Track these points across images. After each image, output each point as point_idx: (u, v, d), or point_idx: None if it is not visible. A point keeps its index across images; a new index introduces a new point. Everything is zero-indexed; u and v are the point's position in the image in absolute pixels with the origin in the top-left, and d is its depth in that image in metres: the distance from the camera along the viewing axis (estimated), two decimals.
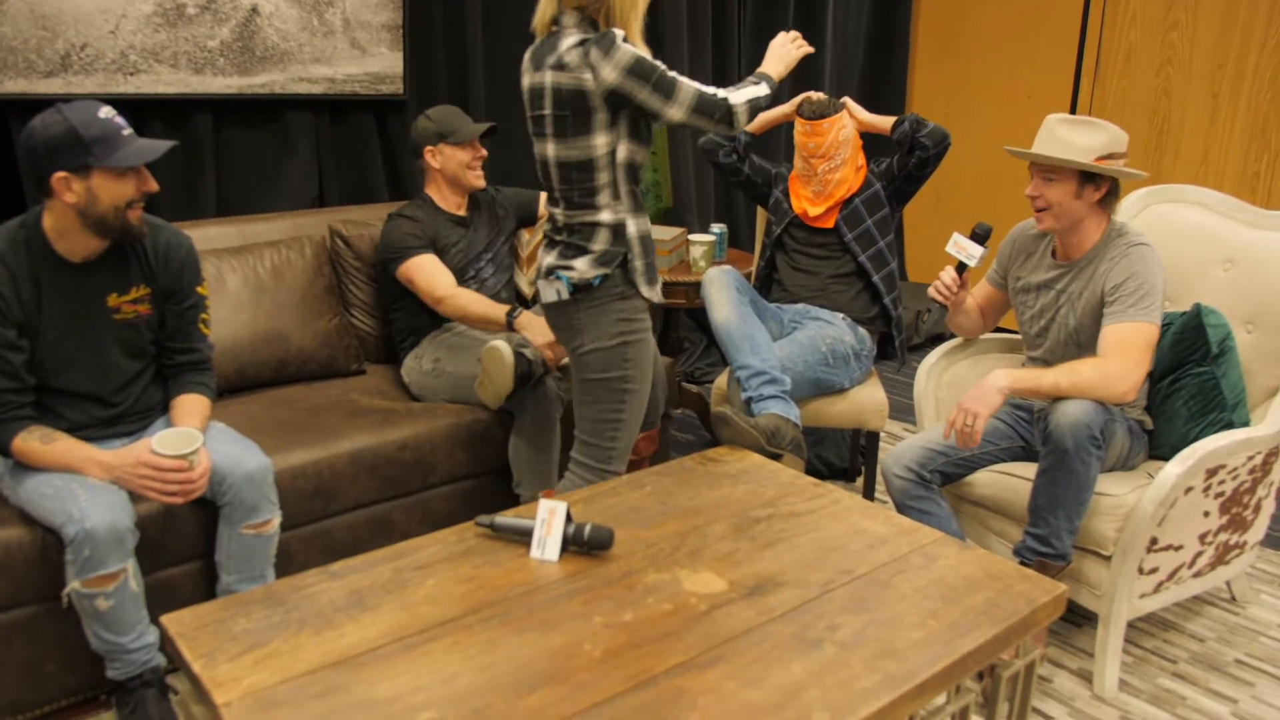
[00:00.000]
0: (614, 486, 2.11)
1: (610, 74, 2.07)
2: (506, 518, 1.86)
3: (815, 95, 2.96)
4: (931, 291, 2.59)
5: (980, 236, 2.51)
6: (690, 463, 2.24)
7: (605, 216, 2.22)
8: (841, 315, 2.95)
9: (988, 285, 2.70)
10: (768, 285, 3.17)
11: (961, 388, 2.79)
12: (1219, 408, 2.35)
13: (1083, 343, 2.37)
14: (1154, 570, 2.30)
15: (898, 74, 5.43)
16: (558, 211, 2.29)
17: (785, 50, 2.40)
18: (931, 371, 2.77)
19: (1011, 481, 2.44)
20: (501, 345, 2.50)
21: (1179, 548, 2.30)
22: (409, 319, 2.90)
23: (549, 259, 2.31)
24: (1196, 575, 2.43)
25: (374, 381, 2.91)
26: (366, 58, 3.35)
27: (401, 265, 2.79)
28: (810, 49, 2.44)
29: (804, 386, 2.76)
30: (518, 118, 3.84)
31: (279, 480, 2.32)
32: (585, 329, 2.26)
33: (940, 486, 2.48)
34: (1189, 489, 2.21)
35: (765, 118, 3.13)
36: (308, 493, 2.39)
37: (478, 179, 2.92)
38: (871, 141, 3.26)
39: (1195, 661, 2.48)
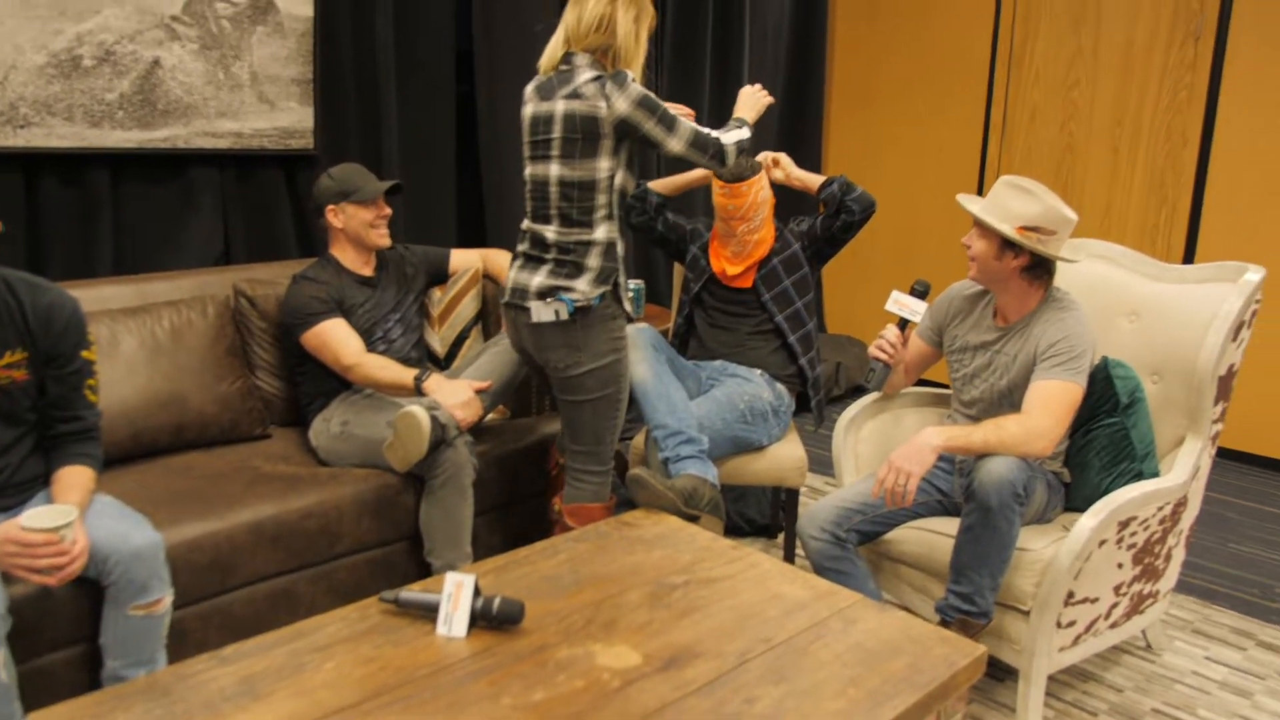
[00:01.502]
0: (527, 555, 2.03)
1: (623, 105, 2.32)
2: (411, 592, 1.77)
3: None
4: (874, 350, 2.57)
5: (920, 293, 2.54)
6: (606, 528, 2.18)
7: (600, 234, 2.40)
8: (759, 372, 2.92)
9: (917, 340, 2.70)
10: (686, 342, 3.14)
11: (880, 442, 2.78)
12: (1129, 458, 2.37)
13: (1014, 403, 2.38)
14: (1072, 623, 2.28)
15: (813, 125, 5.50)
16: (548, 230, 2.42)
17: (754, 98, 2.68)
18: (850, 427, 2.75)
19: (931, 538, 2.42)
20: (417, 411, 2.42)
21: (1095, 600, 2.30)
22: (316, 381, 2.80)
23: (538, 279, 2.42)
24: (1113, 626, 2.43)
25: (279, 446, 2.80)
26: (275, 112, 3.27)
27: (307, 331, 2.70)
28: (772, 99, 2.71)
29: (722, 444, 2.72)
30: (431, 173, 3.79)
31: (172, 555, 2.20)
32: (583, 348, 2.40)
33: (857, 545, 2.45)
34: (1103, 542, 2.21)
35: (680, 181, 3.13)
36: (203, 567, 2.27)
37: (382, 238, 2.85)
38: (789, 202, 3.26)
39: (1115, 713, 2.47)
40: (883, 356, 2.56)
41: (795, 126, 5.47)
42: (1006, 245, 2.33)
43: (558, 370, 2.44)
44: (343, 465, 2.66)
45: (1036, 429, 2.21)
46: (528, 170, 2.49)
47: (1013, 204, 2.32)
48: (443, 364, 3.04)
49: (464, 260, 3.14)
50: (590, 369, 2.42)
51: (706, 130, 2.46)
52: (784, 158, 3.03)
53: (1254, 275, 2.41)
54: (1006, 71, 4.86)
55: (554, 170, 2.40)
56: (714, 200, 2.96)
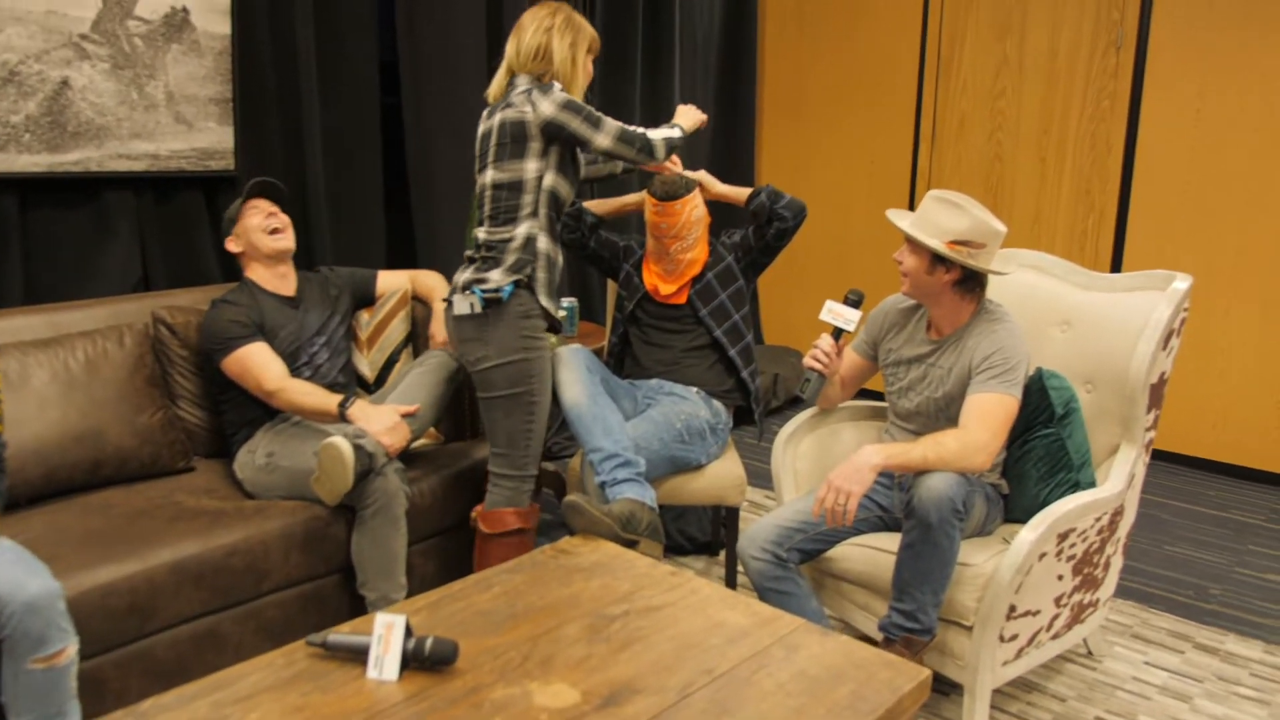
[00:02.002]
0: (460, 589, 1.97)
1: (548, 108, 2.46)
2: (340, 635, 1.70)
3: (668, 174, 2.90)
4: (809, 360, 2.54)
5: (854, 302, 2.53)
6: (542, 556, 2.12)
7: (521, 230, 2.51)
8: (696, 389, 2.90)
9: (853, 354, 2.69)
10: (621, 360, 3.11)
11: (818, 458, 2.76)
12: (1066, 468, 2.37)
13: (952, 415, 2.38)
14: (1014, 637, 2.28)
15: (746, 138, 5.50)
16: (481, 232, 2.57)
17: (692, 111, 2.82)
18: (788, 443, 2.73)
19: (873, 555, 2.40)
20: (340, 443, 2.34)
21: (1036, 613, 2.30)
22: (240, 410, 2.71)
23: (465, 275, 2.55)
24: (1055, 637, 2.43)
25: (203, 479, 2.70)
26: (193, 133, 3.17)
27: (227, 357, 2.61)
28: (706, 116, 2.87)
29: (660, 465, 2.69)
30: (359, 188, 3.71)
31: (87, 600, 2.10)
32: (492, 342, 2.48)
33: (799, 564, 2.42)
34: (1042, 555, 2.21)
35: (616, 203, 3.11)
36: (121, 611, 2.16)
37: (280, 239, 2.77)
38: (721, 214, 3.24)
39: None
40: (817, 366, 2.53)
41: (727, 137, 5.47)
42: (937, 260, 2.33)
43: (471, 365, 2.54)
44: (270, 498, 2.58)
45: (974, 443, 2.21)
46: (477, 184, 2.62)
47: (941, 218, 2.32)
48: (372, 388, 2.97)
49: (391, 282, 3.07)
50: (498, 364, 2.49)
51: (634, 127, 2.59)
52: (705, 175, 3.01)
53: (1182, 284, 2.43)
54: (935, 81, 4.90)
55: (489, 176, 2.54)
56: (646, 218, 2.94)
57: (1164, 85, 4.25)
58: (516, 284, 2.50)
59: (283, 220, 2.79)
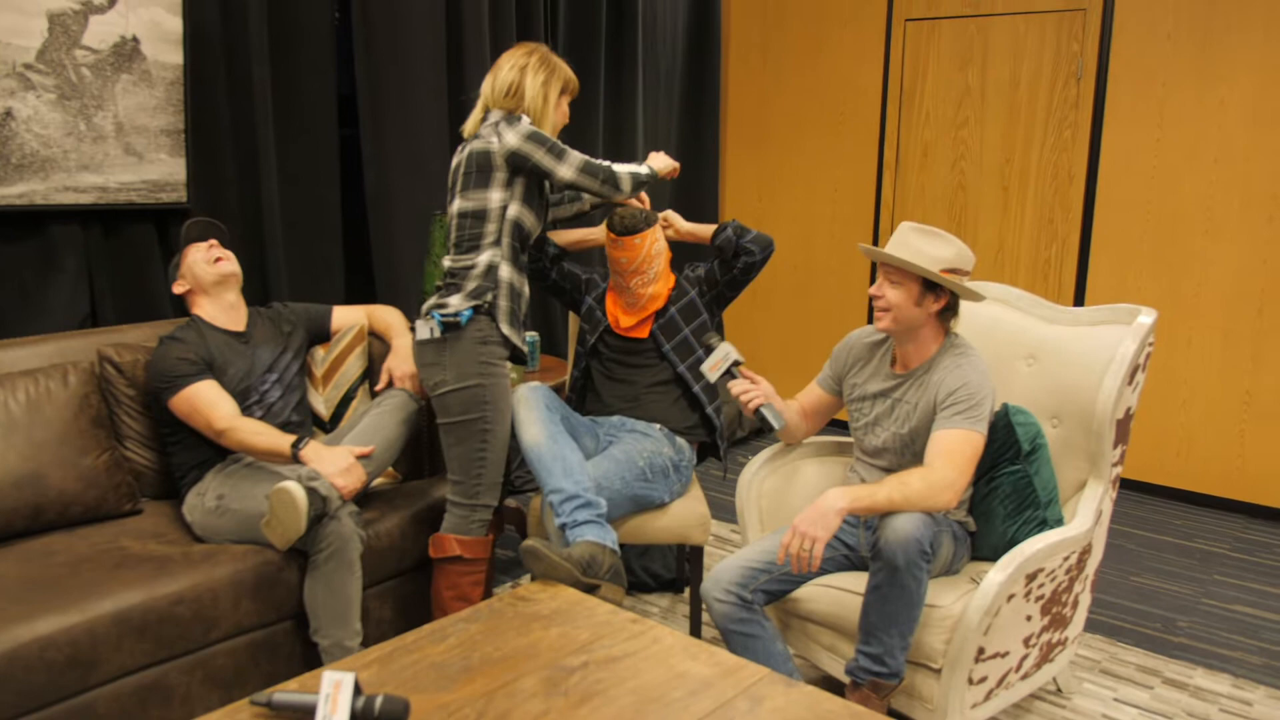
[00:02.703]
0: (414, 640, 1.90)
1: (512, 139, 2.51)
2: (286, 693, 1.63)
3: (627, 209, 2.88)
4: (746, 403, 2.49)
5: (709, 348, 2.59)
6: (500, 604, 2.06)
7: (483, 258, 2.54)
8: (659, 426, 2.85)
9: (817, 389, 2.66)
10: (583, 396, 3.06)
11: (782, 496, 2.72)
12: (1033, 505, 2.35)
13: (918, 451, 2.35)
14: (983, 679, 2.24)
15: (710, 168, 5.49)
16: (447, 260, 2.60)
17: (664, 157, 2.88)
18: (753, 481, 2.69)
19: (840, 596, 2.36)
20: (292, 487, 2.27)
21: (1005, 654, 2.26)
22: (189, 451, 2.63)
23: (429, 302, 2.58)
24: (1024, 678, 2.39)
25: (151, 522, 2.61)
26: (143, 164, 3.09)
27: (175, 396, 2.53)
28: (678, 166, 2.91)
29: (622, 504, 2.63)
30: (316, 222, 3.65)
31: (24, 654, 2.01)
32: (449, 366, 2.50)
33: (764, 605, 2.37)
34: (1011, 596, 2.17)
35: (579, 235, 3.07)
36: (60, 665, 2.07)
37: (223, 265, 2.72)
38: (686, 246, 3.21)
39: None
40: (755, 397, 2.49)
41: (692, 168, 5.45)
42: (927, 289, 2.31)
43: (430, 390, 2.56)
44: (220, 542, 2.49)
45: (940, 481, 2.18)
46: (447, 214, 2.71)
47: (926, 247, 2.30)
48: (328, 426, 2.89)
49: (347, 317, 3.00)
50: (454, 389, 2.51)
51: (599, 160, 2.63)
52: (671, 214, 3.00)
53: (1146, 318, 2.42)
54: (898, 110, 4.92)
55: (456, 204, 2.59)
56: (607, 253, 2.90)
57: (1124, 115, 4.27)
58: (476, 310, 2.52)
59: (218, 248, 2.74)
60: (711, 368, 2.51)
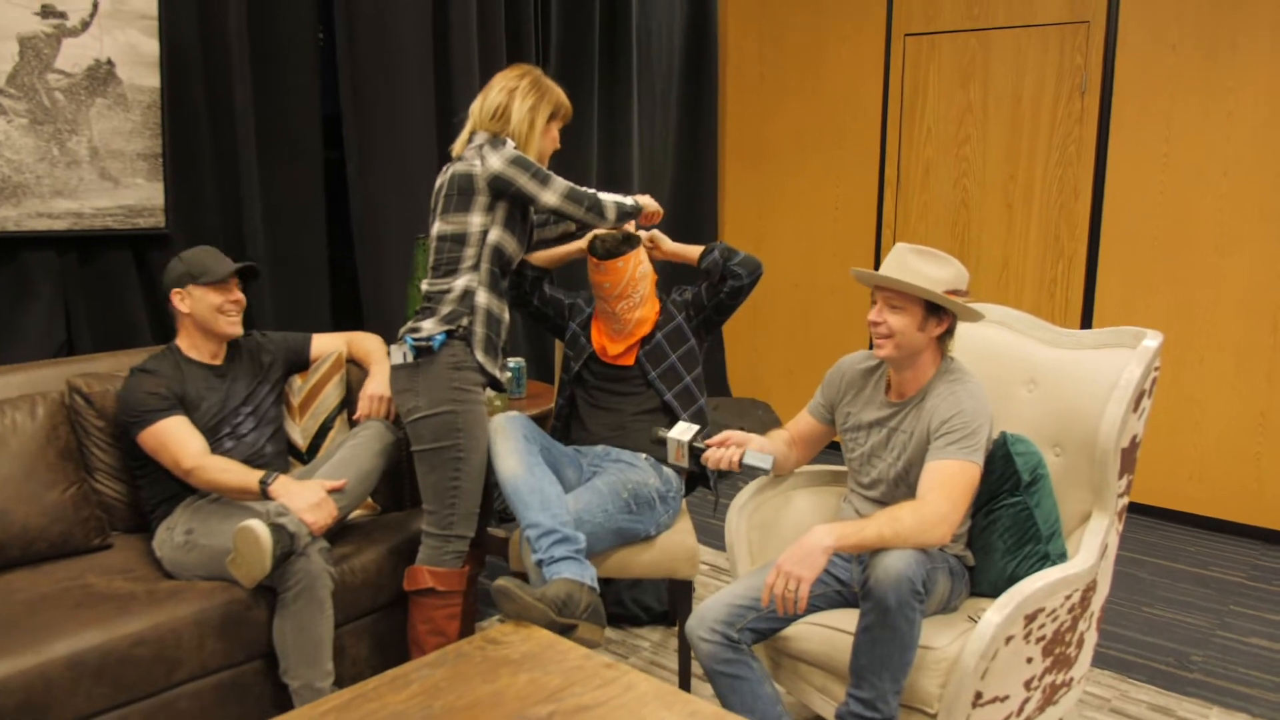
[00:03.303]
0: (375, 687, 1.80)
1: (496, 162, 2.48)
2: None
3: (607, 231, 2.81)
4: (729, 467, 2.35)
5: (660, 441, 2.46)
6: (469, 647, 1.96)
7: (460, 282, 2.52)
8: (645, 456, 2.77)
9: (808, 417, 2.57)
10: (568, 424, 2.98)
11: (772, 528, 2.62)
12: (1034, 539, 2.24)
13: (913, 483, 2.25)
14: None
15: (708, 187, 5.42)
16: (425, 283, 2.58)
17: (650, 200, 2.81)
18: (742, 512, 2.58)
19: (831, 635, 2.25)
20: (256, 525, 2.19)
21: (1005, 698, 2.14)
22: (159, 485, 2.55)
23: (405, 327, 2.55)
24: None
25: (120, 558, 2.53)
26: (120, 189, 3.03)
27: (144, 430, 2.46)
28: (662, 212, 2.86)
29: (605, 538, 2.55)
30: (300, 249, 3.58)
31: None
32: (422, 392, 2.46)
33: (752, 644, 2.27)
34: (1009, 638, 2.05)
35: (558, 253, 2.99)
36: (10, 711, 1.98)
37: (231, 325, 2.62)
38: (670, 272, 3.13)
39: None
40: (732, 454, 2.33)
41: (690, 187, 5.39)
42: (930, 312, 2.22)
43: (405, 418, 2.52)
44: (189, 578, 2.41)
45: (933, 515, 2.07)
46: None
47: (925, 269, 2.21)
48: (305, 456, 2.81)
49: (327, 345, 2.93)
50: (426, 415, 2.47)
51: (586, 188, 2.60)
52: (657, 235, 2.94)
53: (1152, 341, 2.31)
54: (899, 127, 4.84)
55: (436, 227, 2.56)
56: (590, 279, 2.84)
57: (1130, 130, 4.18)
58: (450, 334, 2.49)
59: (241, 302, 2.65)
60: (676, 458, 2.41)
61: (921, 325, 2.23)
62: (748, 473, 2.35)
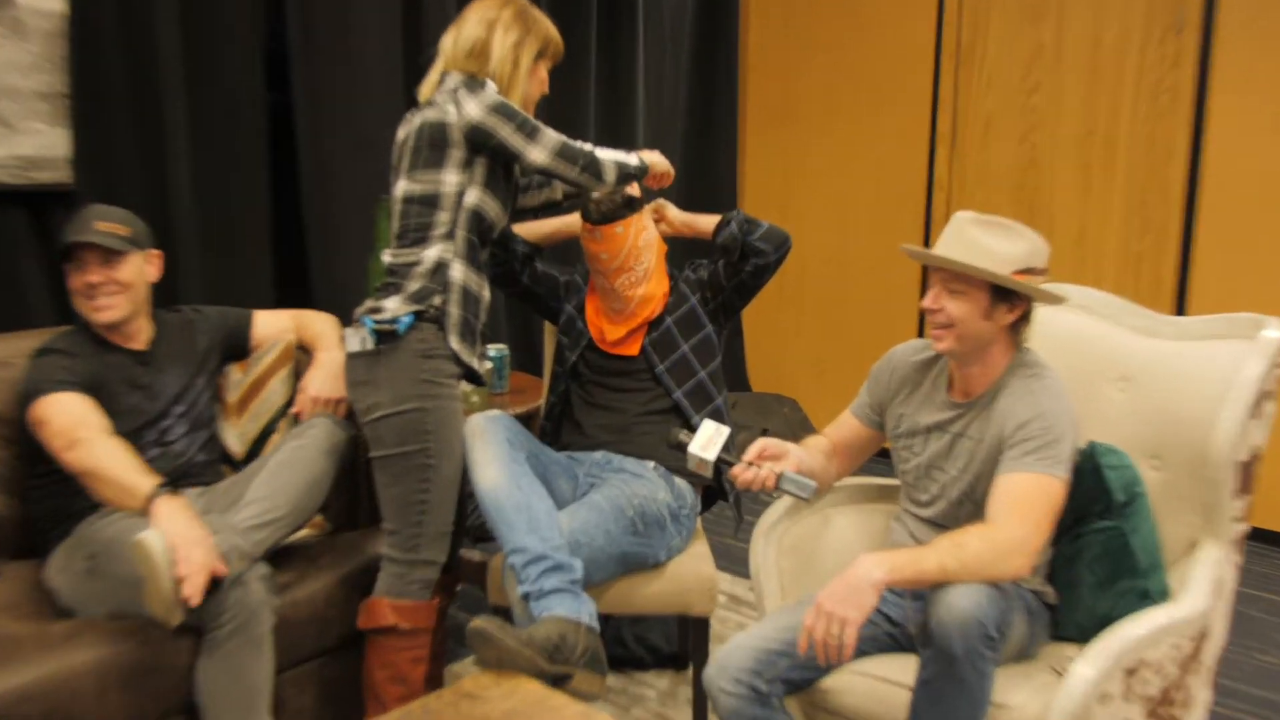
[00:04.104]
0: None
1: (474, 109, 2.42)
2: None
3: (602, 193, 2.76)
4: (768, 490, 2.26)
5: (678, 445, 2.32)
6: (437, 703, 1.87)
7: (430, 253, 2.47)
8: (653, 464, 2.73)
9: (851, 420, 2.52)
10: (560, 425, 2.94)
11: (808, 552, 2.56)
12: (1131, 573, 2.18)
13: (980, 501, 2.19)
14: None
15: (725, 148, 5.43)
16: (388, 254, 2.54)
17: (659, 155, 2.79)
18: (771, 535, 2.51)
19: (881, 688, 2.16)
20: (151, 539, 2.09)
21: None
22: (58, 497, 2.45)
23: (364, 306, 2.49)
24: None
25: (4, 591, 2.41)
26: (15, 135, 2.94)
27: (33, 403, 2.37)
28: (673, 172, 2.83)
29: (606, 565, 2.50)
30: (238, 211, 3.52)
31: None
32: (383, 385, 2.41)
33: (784, 697, 2.19)
34: (1105, 696, 1.96)
35: (552, 226, 2.99)
36: None
37: (99, 312, 2.48)
38: (682, 246, 3.07)
39: None
40: (766, 475, 2.22)
41: (704, 151, 5.39)
42: (999, 297, 2.16)
43: (362, 416, 2.46)
44: (91, 613, 2.29)
45: (1008, 542, 2.00)
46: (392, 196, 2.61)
47: (993, 244, 2.15)
48: (240, 464, 2.74)
49: (272, 325, 2.86)
50: (389, 413, 2.40)
51: (582, 143, 2.56)
52: (663, 204, 2.94)
53: (1274, 332, 2.24)
54: (954, 75, 4.82)
55: (402, 186, 2.53)
56: (584, 248, 2.82)
57: (1236, 77, 4.12)
58: (419, 316, 2.43)
59: (103, 285, 2.47)
60: (697, 469, 2.27)
61: (988, 313, 2.17)
62: (784, 494, 2.26)
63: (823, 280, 5.33)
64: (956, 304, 2.17)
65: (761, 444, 2.28)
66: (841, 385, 5.23)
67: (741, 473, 2.25)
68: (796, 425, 5.21)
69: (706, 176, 5.34)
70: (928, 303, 2.21)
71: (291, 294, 3.77)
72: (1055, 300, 2.21)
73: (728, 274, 2.84)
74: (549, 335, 3.18)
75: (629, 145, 4.71)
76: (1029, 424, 2.12)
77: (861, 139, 5.13)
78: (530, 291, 2.99)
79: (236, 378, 2.78)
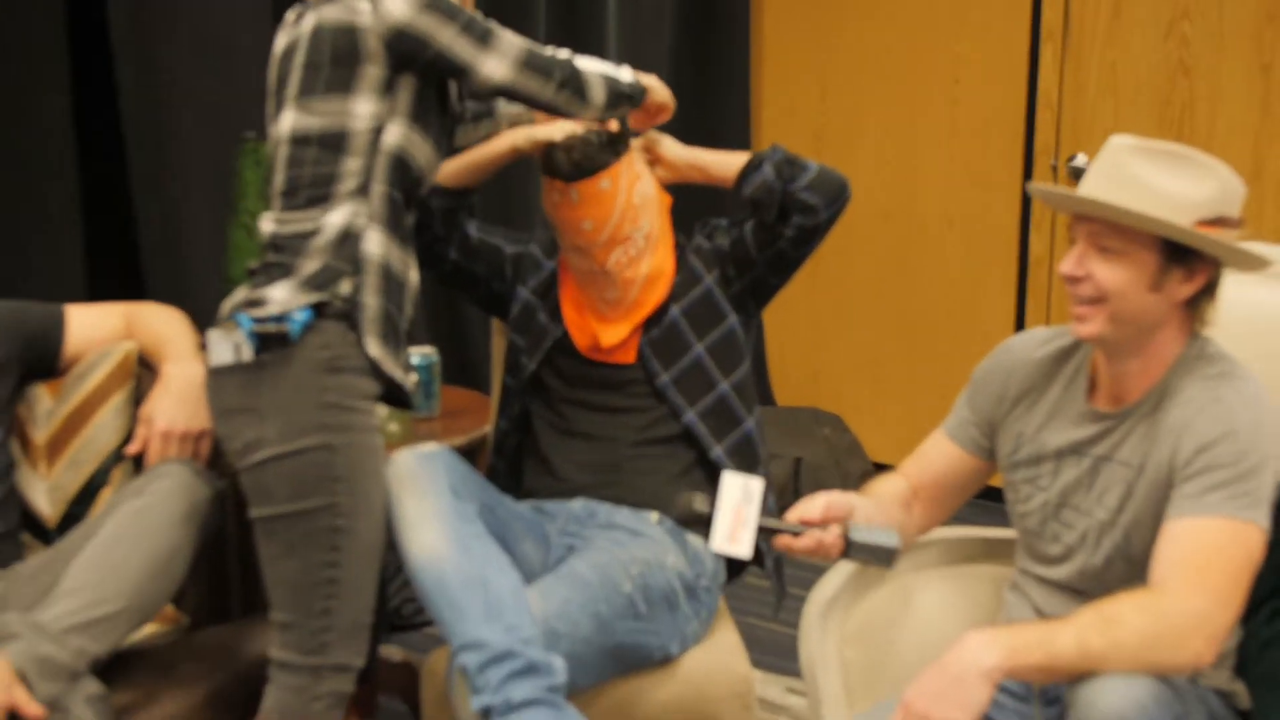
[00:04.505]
0: None
1: (399, 6, 2.43)
2: None
3: (575, 135, 2.82)
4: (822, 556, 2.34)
5: (694, 516, 2.39)
6: None
7: (335, 218, 2.48)
8: (656, 516, 2.79)
9: (947, 445, 2.57)
10: (517, 464, 3.02)
11: (886, 644, 2.64)
12: None
13: (1138, 557, 2.24)
14: None
15: (733, 55, 5.52)
16: (269, 220, 2.56)
17: (656, 80, 2.89)
18: (830, 615, 2.58)
19: None
20: None
21: None
22: None
23: (235, 298, 2.53)
24: None
25: None
26: None
27: None
28: (670, 104, 2.94)
29: (597, 662, 2.56)
30: (35, 177, 3.59)
31: None
32: (269, 413, 2.41)
33: None
34: None
35: (482, 157, 3.00)
36: None
37: None
38: (691, 200, 3.12)
39: None
40: (833, 541, 2.29)
41: (701, 58, 5.50)
42: (1173, 259, 2.19)
43: (237, 458, 2.47)
44: None
45: (1182, 616, 2.05)
46: (270, 137, 2.65)
47: (1167, 183, 2.18)
48: (53, 534, 2.80)
49: (95, 328, 2.90)
50: (276, 455, 2.41)
51: (550, 49, 2.63)
52: (656, 136, 2.98)
53: None
54: None
55: (288, 120, 2.54)
56: (553, 218, 2.86)
57: None
58: (320, 311, 2.44)
59: None
60: (731, 541, 2.29)
61: (1156, 281, 2.20)
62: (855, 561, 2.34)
63: (878, 245, 5.37)
64: (1112, 269, 2.19)
65: (825, 501, 2.32)
66: (907, 396, 5.33)
67: (795, 542, 2.30)
68: (842, 452, 5.26)
69: (707, 97, 5.40)
70: (1068, 268, 2.23)
71: (111, 282, 3.81)
72: (1259, 265, 2.24)
73: (760, 241, 2.88)
74: (497, 332, 3.23)
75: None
76: (1215, 446, 2.15)
77: (931, 37, 5.19)
78: (462, 270, 3.04)
79: (46, 407, 2.83)
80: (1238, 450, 2.14)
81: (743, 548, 2.28)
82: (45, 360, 2.85)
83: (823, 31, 5.43)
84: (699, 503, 2.36)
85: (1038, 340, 2.50)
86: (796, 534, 2.29)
